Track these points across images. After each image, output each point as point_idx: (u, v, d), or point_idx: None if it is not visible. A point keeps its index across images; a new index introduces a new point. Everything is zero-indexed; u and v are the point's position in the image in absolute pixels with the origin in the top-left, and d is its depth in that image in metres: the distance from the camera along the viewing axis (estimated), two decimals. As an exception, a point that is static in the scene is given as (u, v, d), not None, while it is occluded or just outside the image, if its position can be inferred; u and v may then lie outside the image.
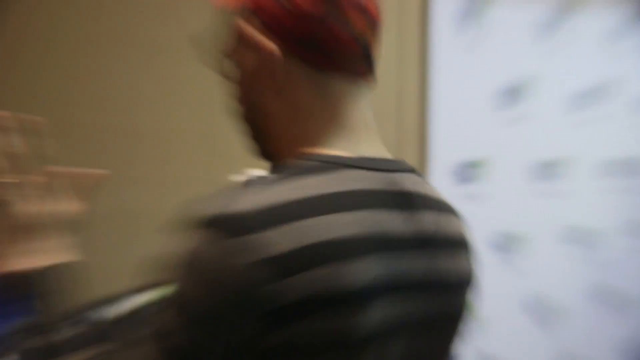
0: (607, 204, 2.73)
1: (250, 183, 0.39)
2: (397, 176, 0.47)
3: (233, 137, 0.73)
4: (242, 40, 0.47)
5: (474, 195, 1.91)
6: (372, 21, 0.47)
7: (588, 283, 2.07)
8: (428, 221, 0.47)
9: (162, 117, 1.67)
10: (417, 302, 0.44)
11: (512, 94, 2.34)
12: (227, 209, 0.36)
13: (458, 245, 0.51)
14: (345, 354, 0.37)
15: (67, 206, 0.53)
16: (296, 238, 0.35)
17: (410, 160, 0.76)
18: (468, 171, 1.94)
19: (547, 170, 2.46)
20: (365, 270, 0.38)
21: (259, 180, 0.39)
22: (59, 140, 1.63)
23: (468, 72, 2.02)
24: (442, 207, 0.51)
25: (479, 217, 1.86)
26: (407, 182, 0.48)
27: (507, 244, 1.97)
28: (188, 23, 1.86)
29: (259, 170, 0.60)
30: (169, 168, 1.63)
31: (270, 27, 0.45)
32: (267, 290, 0.34)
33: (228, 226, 0.35)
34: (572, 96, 2.49)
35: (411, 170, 0.51)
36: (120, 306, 0.44)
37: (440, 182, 1.77)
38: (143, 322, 0.40)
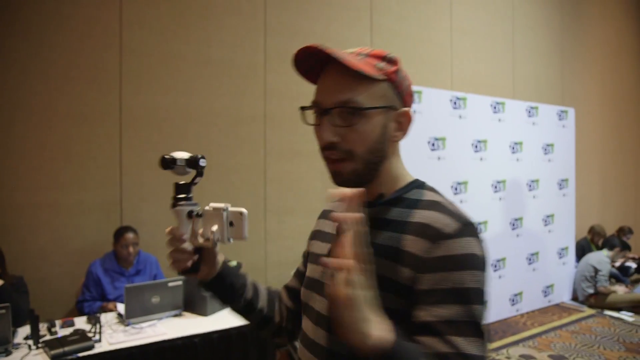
0: (494, 207, 4.65)
1: (444, 198, 0.78)
2: None
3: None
4: (379, 101, 0.74)
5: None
6: None
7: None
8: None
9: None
10: None
11: (436, 142, 4.17)
12: (473, 219, 0.71)
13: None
14: None
15: None
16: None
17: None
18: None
19: (459, 186, 4.35)
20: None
21: (443, 196, 0.79)
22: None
23: (412, 128, 3.80)
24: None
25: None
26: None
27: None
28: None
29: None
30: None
31: (401, 96, 0.77)
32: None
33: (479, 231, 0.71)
34: (472, 143, 4.42)
35: None
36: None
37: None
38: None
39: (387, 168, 0.80)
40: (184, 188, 0.85)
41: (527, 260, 4.90)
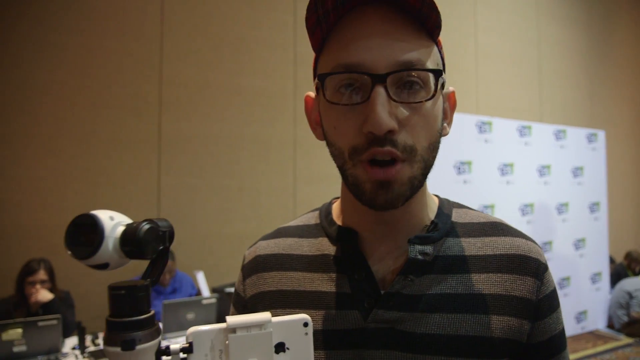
0: (522, 231, 4.64)
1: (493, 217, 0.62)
2: None
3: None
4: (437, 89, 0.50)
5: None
6: None
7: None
8: None
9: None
10: None
11: (462, 165, 4.22)
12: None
13: None
14: None
15: None
16: None
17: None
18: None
19: (485, 210, 4.36)
20: None
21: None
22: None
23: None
24: None
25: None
26: None
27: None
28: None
29: None
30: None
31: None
32: None
33: None
34: (498, 167, 4.44)
35: None
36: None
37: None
38: None
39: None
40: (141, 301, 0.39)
41: (558, 285, 4.82)
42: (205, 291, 3.29)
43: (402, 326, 0.53)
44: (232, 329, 0.43)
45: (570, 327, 4.92)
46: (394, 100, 0.47)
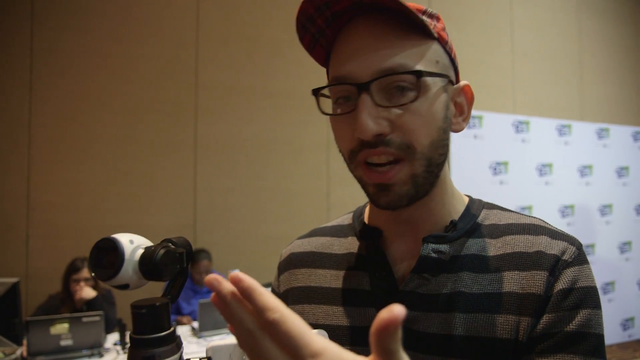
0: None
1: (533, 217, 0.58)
2: None
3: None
4: (436, 68, 0.51)
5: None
6: None
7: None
8: None
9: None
10: None
11: (498, 166, 4.13)
12: None
13: None
14: None
15: None
16: None
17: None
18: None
19: (523, 211, 4.25)
20: None
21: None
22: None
23: (472, 152, 3.77)
24: None
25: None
26: None
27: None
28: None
29: None
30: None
31: (454, 65, 0.56)
32: None
33: None
34: (536, 167, 4.32)
35: None
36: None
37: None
38: None
39: (444, 177, 0.57)
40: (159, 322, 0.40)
41: (602, 290, 4.62)
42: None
43: (415, 326, 0.53)
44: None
45: (616, 335, 4.71)
46: (380, 105, 0.49)
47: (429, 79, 0.50)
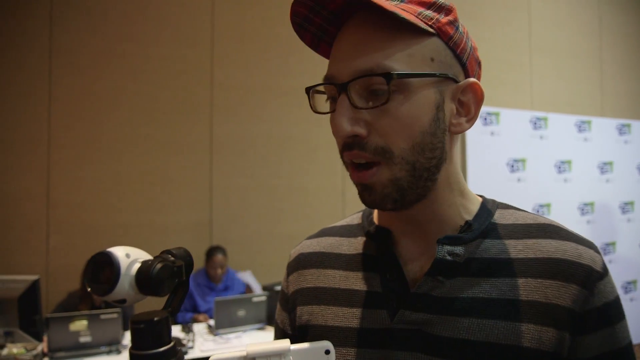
0: (581, 231, 4.43)
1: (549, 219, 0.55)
2: None
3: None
4: (425, 66, 0.49)
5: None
6: None
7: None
8: None
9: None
10: None
11: (516, 163, 4.07)
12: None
13: None
14: None
15: None
16: None
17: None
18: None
19: (541, 209, 4.16)
20: None
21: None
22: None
23: (489, 149, 3.72)
24: None
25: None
26: None
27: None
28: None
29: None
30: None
31: (462, 60, 0.52)
32: None
33: None
34: (554, 164, 4.24)
35: None
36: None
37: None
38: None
39: (448, 178, 0.54)
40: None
41: (623, 290, 4.53)
42: (257, 289, 3.37)
43: (430, 329, 0.52)
44: (252, 358, 0.44)
45: (639, 336, 4.61)
46: (357, 107, 0.48)
47: (413, 80, 0.48)
